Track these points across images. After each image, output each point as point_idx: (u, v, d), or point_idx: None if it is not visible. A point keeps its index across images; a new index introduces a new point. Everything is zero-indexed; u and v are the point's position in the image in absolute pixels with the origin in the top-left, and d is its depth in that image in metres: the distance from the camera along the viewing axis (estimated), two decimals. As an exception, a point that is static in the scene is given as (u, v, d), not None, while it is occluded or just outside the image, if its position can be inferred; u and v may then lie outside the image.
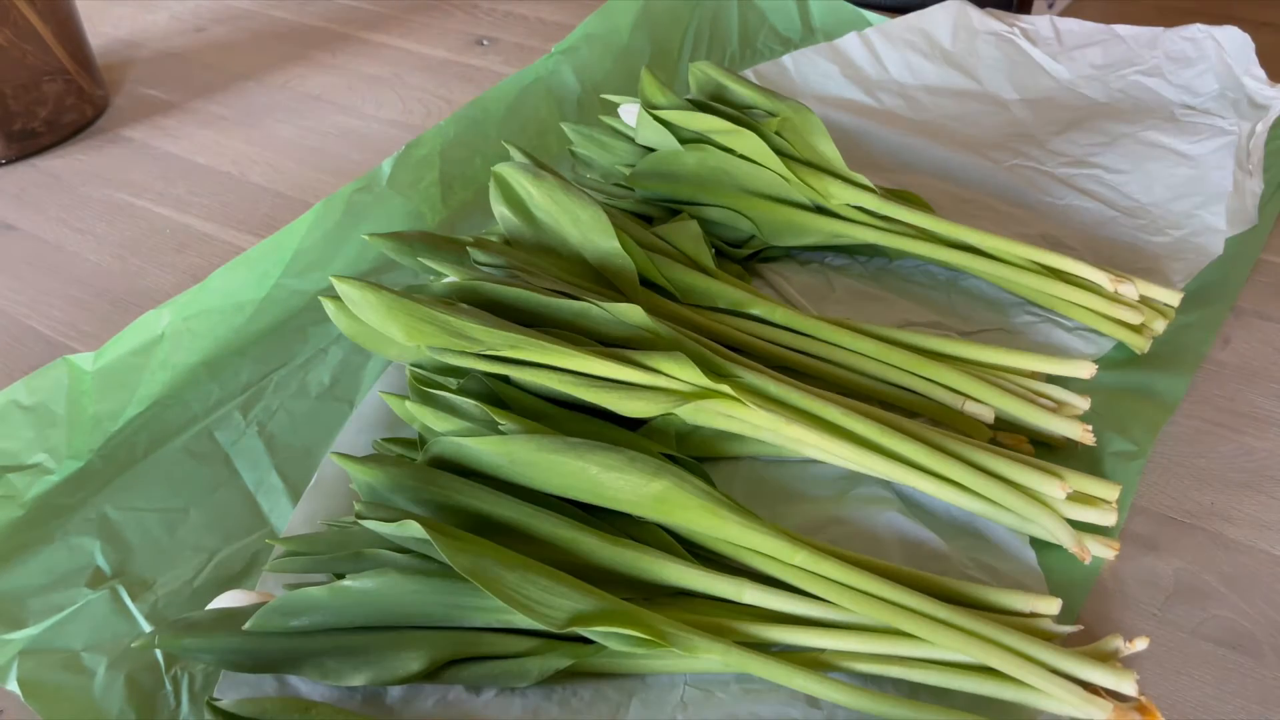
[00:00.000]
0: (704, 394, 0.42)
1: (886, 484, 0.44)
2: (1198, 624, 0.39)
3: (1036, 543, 0.42)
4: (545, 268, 0.49)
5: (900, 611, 0.37)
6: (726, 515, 0.40)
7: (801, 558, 0.38)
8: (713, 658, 0.36)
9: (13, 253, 0.64)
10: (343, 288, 0.43)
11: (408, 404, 0.44)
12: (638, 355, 0.43)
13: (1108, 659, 0.36)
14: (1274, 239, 0.58)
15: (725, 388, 0.42)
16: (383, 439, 0.46)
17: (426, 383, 0.44)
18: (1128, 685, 0.35)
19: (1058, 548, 0.41)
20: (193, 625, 0.38)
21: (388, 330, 0.43)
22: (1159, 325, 0.50)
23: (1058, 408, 0.45)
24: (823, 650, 0.37)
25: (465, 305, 0.44)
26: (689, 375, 0.42)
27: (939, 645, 0.36)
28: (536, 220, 0.51)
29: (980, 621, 0.37)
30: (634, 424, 0.44)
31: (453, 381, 0.44)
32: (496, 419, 0.41)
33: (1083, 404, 0.46)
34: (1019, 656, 0.36)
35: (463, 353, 0.43)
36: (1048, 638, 0.37)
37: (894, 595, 0.37)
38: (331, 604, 0.37)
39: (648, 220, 0.58)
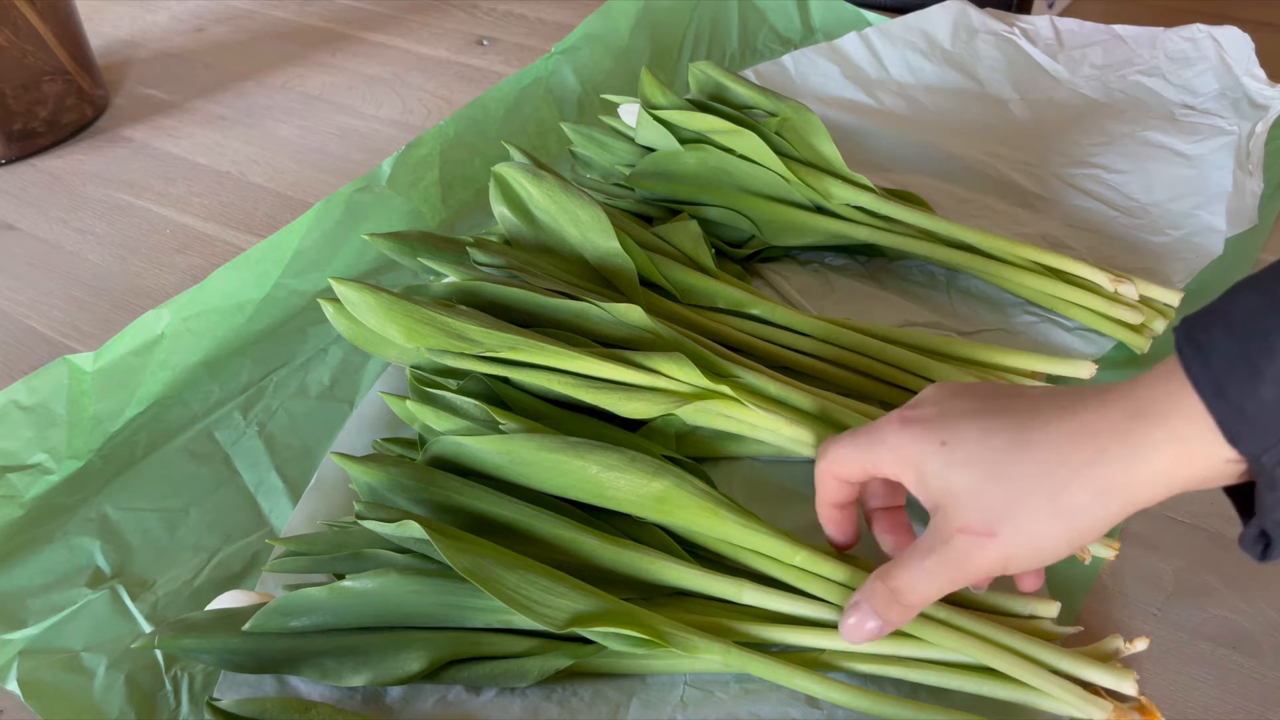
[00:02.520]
0: (703, 395, 0.42)
1: (886, 484, 0.44)
2: (1198, 624, 0.39)
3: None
4: (545, 268, 0.49)
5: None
6: (726, 515, 0.40)
7: (801, 558, 0.38)
8: (712, 658, 0.36)
9: (13, 253, 0.64)
10: (342, 290, 0.43)
11: (408, 404, 0.44)
12: (637, 356, 0.42)
13: (1108, 659, 0.36)
14: (1274, 239, 0.58)
15: (724, 388, 0.42)
16: (383, 439, 0.46)
17: (426, 384, 0.44)
18: (1128, 685, 0.35)
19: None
20: (192, 626, 0.38)
21: (387, 332, 0.43)
22: (1159, 325, 0.50)
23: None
24: (822, 650, 0.37)
25: (464, 307, 0.43)
26: (688, 376, 0.42)
27: (938, 645, 0.36)
28: (536, 220, 0.51)
29: (979, 621, 0.37)
30: (634, 424, 0.44)
31: (452, 382, 0.44)
32: (497, 418, 0.41)
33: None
34: (1018, 656, 0.36)
35: (462, 354, 0.43)
36: (1048, 638, 0.37)
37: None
38: (331, 604, 0.37)
39: (648, 220, 0.58)
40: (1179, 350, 0.28)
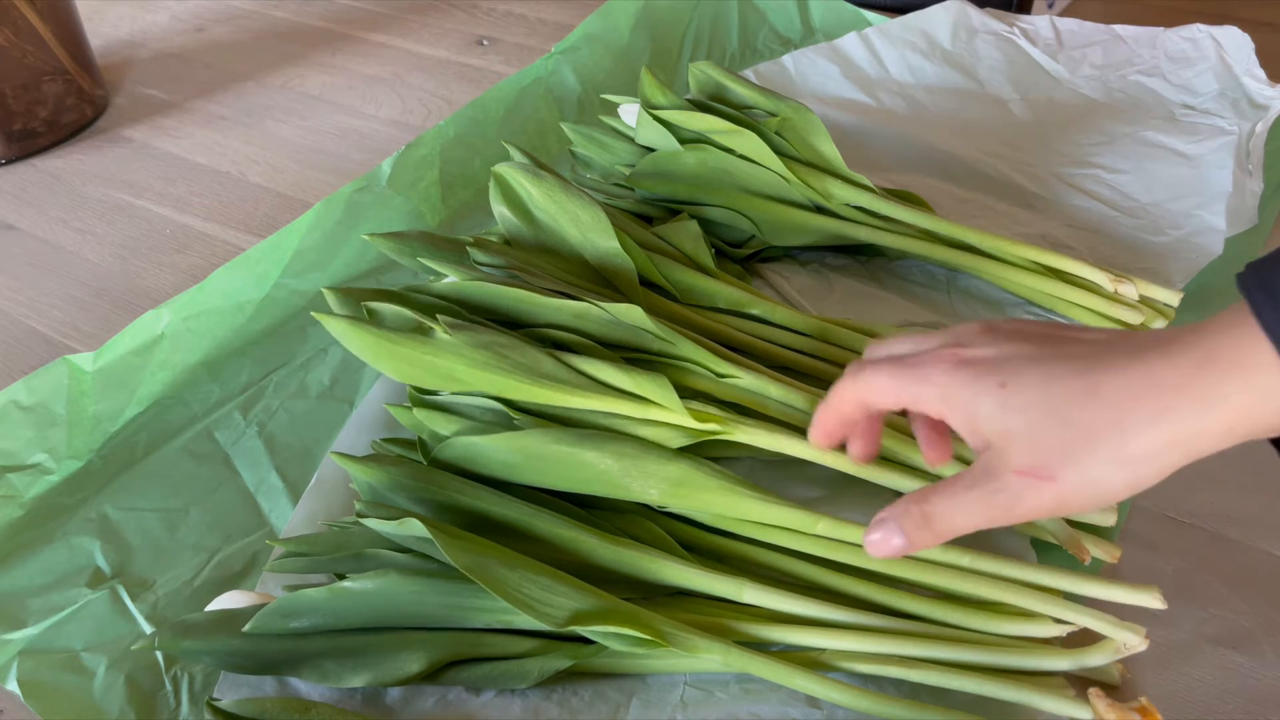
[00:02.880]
0: (703, 434, 0.42)
1: (886, 484, 0.44)
2: (1198, 624, 0.39)
3: (1037, 543, 0.42)
4: (545, 268, 0.49)
5: (921, 565, 0.38)
6: (745, 493, 0.40)
7: (824, 525, 0.39)
8: (713, 658, 0.36)
9: (13, 253, 0.64)
10: (331, 325, 0.42)
11: (414, 411, 0.43)
12: (628, 382, 0.42)
13: (1109, 652, 0.36)
14: (1274, 239, 0.58)
15: (721, 425, 0.42)
16: (382, 439, 0.46)
17: (428, 391, 0.44)
18: (1153, 600, 0.36)
19: (1058, 548, 0.41)
20: (192, 627, 0.38)
21: (379, 367, 0.43)
22: (1159, 325, 0.50)
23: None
24: (823, 650, 0.37)
25: (451, 339, 0.42)
26: (669, 401, 0.41)
27: (961, 591, 0.38)
28: (536, 220, 0.51)
29: (997, 561, 0.38)
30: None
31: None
32: (511, 414, 0.41)
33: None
34: (1034, 588, 0.37)
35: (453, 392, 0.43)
36: (1048, 637, 0.37)
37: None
38: (331, 605, 0.37)
39: (648, 220, 0.58)
40: (1247, 294, 0.27)
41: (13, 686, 0.39)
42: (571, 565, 0.39)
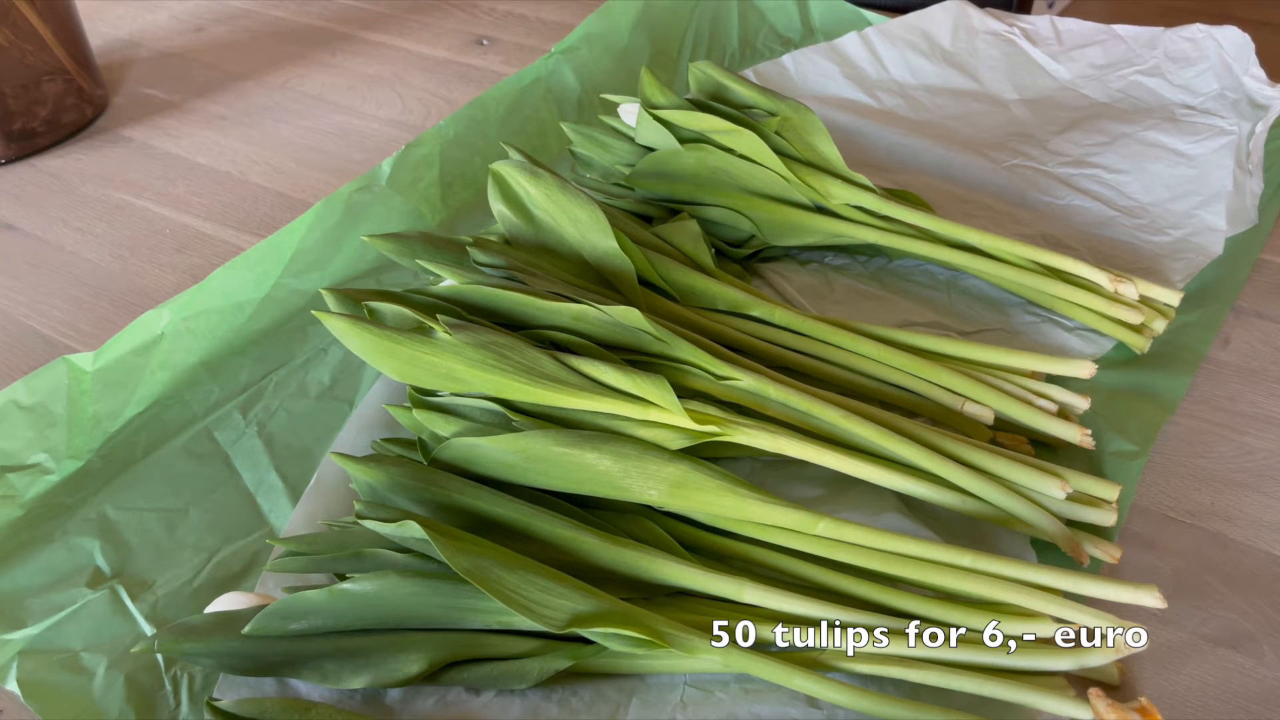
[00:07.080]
0: (702, 435, 0.42)
1: (886, 484, 0.44)
2: (1198, 624, 0.39)
3: (1037, 543, 0.42)
4: (545, 267, 0.49)
5: (921, 565, 0.38)
6: (745, 494, 0.40)
7: (823, 526, 0.39)
8: (713, 658, 0.36)
9: (13, 253, 0.64)
10: (331, 323, 0.42)
11: (414, 412, 0.44)
12: (626, 383, 0.42)
13: (1109, 652, 0.36)
14: (1274, 239, 0.58)
15: (720, 427, 0.42)
16: (382, 439, 0.46)
17: (427, 391, 0.44)
18: (1153, 599, 0.36)
19: (1058, 548, 0.41)
20: (192, 629, 0.38)
21: (379, 367, 0.43)
22: (1159, 325, 0.50)
23: (1056, 410, 0.45)
24: (823, 650, 0.37)
25: (451, 340, 0.42)
26: (668, 402, 0.41)
27: (961, 591, 0.38)
28: (535, 219, 0.51)
29: (997, 561, 0.38)
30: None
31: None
32: (510, 416, 0.41)
33: (1082, 404, 0.45)
34: (1034, 588, 0.37)
35: (453, 393, 0.43)
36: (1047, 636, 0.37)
37: (918, 550, 0.39)
38: (330, 607, 0.37)
39: (648, 220, 0.58)
40: None
41: (12, 686, 0.39)
42: (571, 565, 0.39)
